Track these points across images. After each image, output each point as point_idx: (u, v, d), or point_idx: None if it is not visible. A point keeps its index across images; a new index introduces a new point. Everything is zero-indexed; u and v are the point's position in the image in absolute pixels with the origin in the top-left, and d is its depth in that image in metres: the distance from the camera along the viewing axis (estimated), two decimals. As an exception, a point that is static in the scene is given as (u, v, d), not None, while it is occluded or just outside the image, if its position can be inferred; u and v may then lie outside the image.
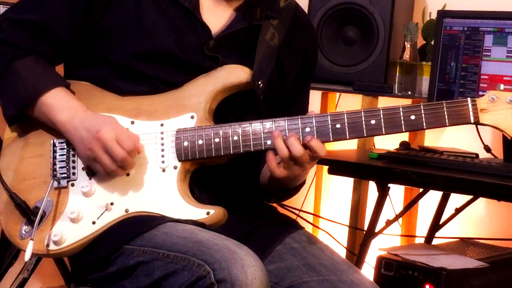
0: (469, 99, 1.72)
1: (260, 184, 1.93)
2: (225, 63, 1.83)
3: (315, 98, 3.06)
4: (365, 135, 1.74)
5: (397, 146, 2.65)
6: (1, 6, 2.46)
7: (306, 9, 2.91)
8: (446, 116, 1.72)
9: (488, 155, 2.67)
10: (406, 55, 2.83)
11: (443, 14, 2.65)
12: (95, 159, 1.73)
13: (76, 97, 1.80)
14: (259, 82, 1.82)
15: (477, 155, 2.58)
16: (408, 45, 2.82)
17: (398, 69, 2.84)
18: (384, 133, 1.74)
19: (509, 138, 1.73)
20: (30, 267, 2.58)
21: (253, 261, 1.58)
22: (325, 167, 2.64)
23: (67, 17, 1.82)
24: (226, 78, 1.82)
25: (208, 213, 1.74)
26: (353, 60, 2.87)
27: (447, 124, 1.72)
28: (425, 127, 1.73)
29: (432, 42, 2.76)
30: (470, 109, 1.72)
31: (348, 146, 3.09)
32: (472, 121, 1.72)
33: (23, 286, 2.63)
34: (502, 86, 1.76)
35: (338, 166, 2.49)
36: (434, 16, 2.78)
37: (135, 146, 1.73)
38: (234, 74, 1.82)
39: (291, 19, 1.93)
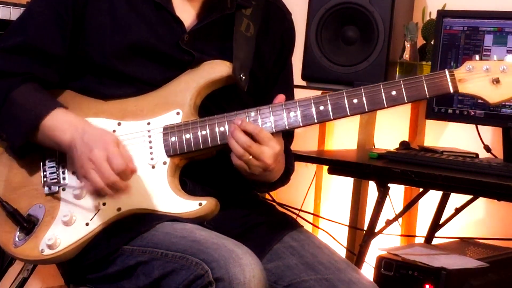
0: (446, 70, 1.75)
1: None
2: (201, 57, 1.83)
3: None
4: (348, 114, 1.76)
5: (397, 145, 2.65)
6: (1, 6, 2.46)
7: (305, 9, 2.91)
8: (425, 88, 1.74)
9: (488, 155, 2.67)
10: (406, 55, 2.83)
11: (443, 13, 2.65)
12: (85, 177, 1.71)
13: (72, 112, 1.79)
14: (241, 75, 1.82)
15: (477, 155, 2.58)
16: (408, 45, 2.82)
17: (398, 69, 2.84)
18: (367, 110, 1.75)
19: (489, 104, 1.76)
20: (30, 267, 2.58)
21: (251, 260, 1.59)
22: (325, 167, 2.64)
23: (56, 31, 1.82)
24: (209, 74, 1.82)
25: (200, 204, 1.74)
26: (353, 60, 2.87)
27: (427, 96, 1.75)
28: (406, 101, 1.75)
29: (432, 42, 2.76)
30: (449, 79, 1.74)
31: (348, 146, 3.09)
32: (451, 91, 1.75)
33: (23, 286, 2.63)
34: (477, 57, 1.77)
35: (338, 166, 2.49)
36: (434, 16, 2.78)
37: (126, 167, 1.68)
38: (216, 69, 1.83)
39: (264, 6, 1.94)
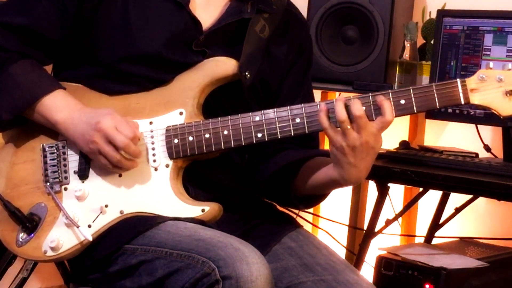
0: (458, 80, 1.70)
1: (300, 189, 1.89)
2: (212, 56, 1.82)
3: (314, 97, 3.06)
4: None
5: (397, 145, 2.65)
6: (0, 5, 2.45)
7: (306, 8, 2.90)
8: (436, 99, 1.70)
9: (488, 155, 2.67)
10: (406, 55, 2.83)
11: (443, 13, 2.65)
12: (98, 151, 1.72)
13: (72, 96, 1.80)
14: (246, 73, 1.80)
15: (477, 154, 2.58)
16: (408, 45, 2.82)
17: (397, 69, 2.84)
18: (374, 119, 1.71)
19: (501, 117, 1.70)
20: (29, 267, 2.58)
21: (258, 258, 1.58)
22: (325, 167, 2.63)
23: (57, 19, 1.81)
24: (213, 71, 1.81)
25: (203, 210, 1.74)
26: (353, 60, 2.87)
27: (438, 107, 1.71)
28: (416, 111, 1.71)
29: (432, 42, 2.76)
30: (460, 90, 1.69)
31: (347, 146, 3.08)
32: (462, 102, 1.69)
33: (22, 285, 2.62)
34: (491, 64, 1.72)
35: (337, 166, 2.48)
36: (434, 15, 2.78)
37: (135, 133, 1.72)
38: (221, 66, 1.81)
39: (283, 13, 1.93)
